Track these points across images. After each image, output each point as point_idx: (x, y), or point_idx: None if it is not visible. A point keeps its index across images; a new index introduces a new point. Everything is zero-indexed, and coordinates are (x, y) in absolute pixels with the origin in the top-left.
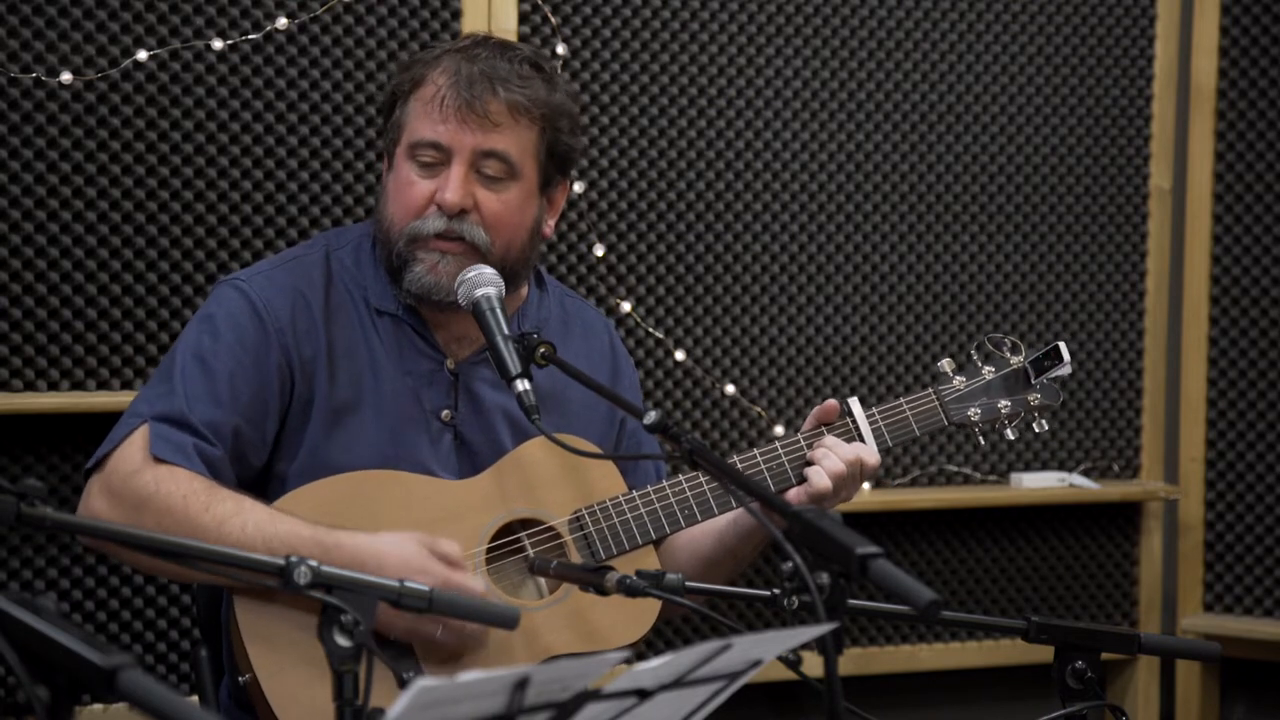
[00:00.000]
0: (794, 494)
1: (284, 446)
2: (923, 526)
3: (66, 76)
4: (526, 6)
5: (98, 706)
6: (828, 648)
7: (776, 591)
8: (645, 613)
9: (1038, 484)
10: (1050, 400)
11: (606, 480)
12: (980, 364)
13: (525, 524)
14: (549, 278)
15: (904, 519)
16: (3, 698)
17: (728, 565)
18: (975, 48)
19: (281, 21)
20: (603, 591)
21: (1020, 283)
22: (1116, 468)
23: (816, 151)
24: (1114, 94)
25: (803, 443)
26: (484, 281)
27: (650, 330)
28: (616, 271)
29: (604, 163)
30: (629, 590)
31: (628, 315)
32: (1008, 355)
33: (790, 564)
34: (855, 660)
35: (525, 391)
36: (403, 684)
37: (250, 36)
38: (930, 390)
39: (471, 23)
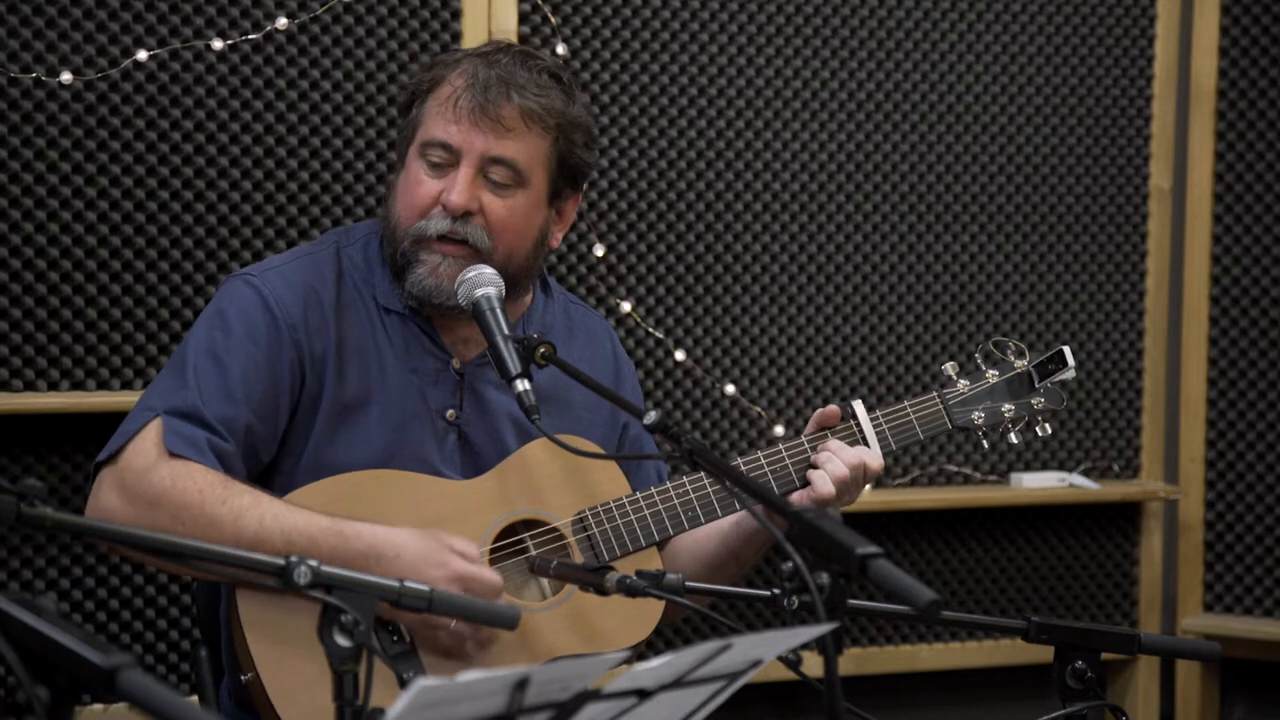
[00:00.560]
0: (797, 497)
1: (291, 441)
2: (923, 526)
3: (66, 76)
4: (526, 6)
5: (98, 706)
6: (828, 648)
7: (776, 591)
8: (648, 615)
9: (1038, 484)
10: (1054, 404)
11: (610, 482)
12: (984, 367)
13: (529, 525)
14: (554, 283)
15: (904, 519)
16: (3, 698)
17: (730, 567)
18: (975, 48)
19: (281, 21)
20: (602, 591)
21: (1020, 282)
22: (1116, 468)
23: (816, 151)
24: (1114, 94)
25: (806, 445)
26: (484, 281)
27: (650, 330)
28: (616, 271)
29: (604, 163)
30: (629, 590)
31: (628, 315)
32: (1012, 359)
33: (790, 564)
34: (855, 660)
35: (525, 391)
36: (403, 684)
37: (250, 36)
38: (934, 393)
39: (471, 23)
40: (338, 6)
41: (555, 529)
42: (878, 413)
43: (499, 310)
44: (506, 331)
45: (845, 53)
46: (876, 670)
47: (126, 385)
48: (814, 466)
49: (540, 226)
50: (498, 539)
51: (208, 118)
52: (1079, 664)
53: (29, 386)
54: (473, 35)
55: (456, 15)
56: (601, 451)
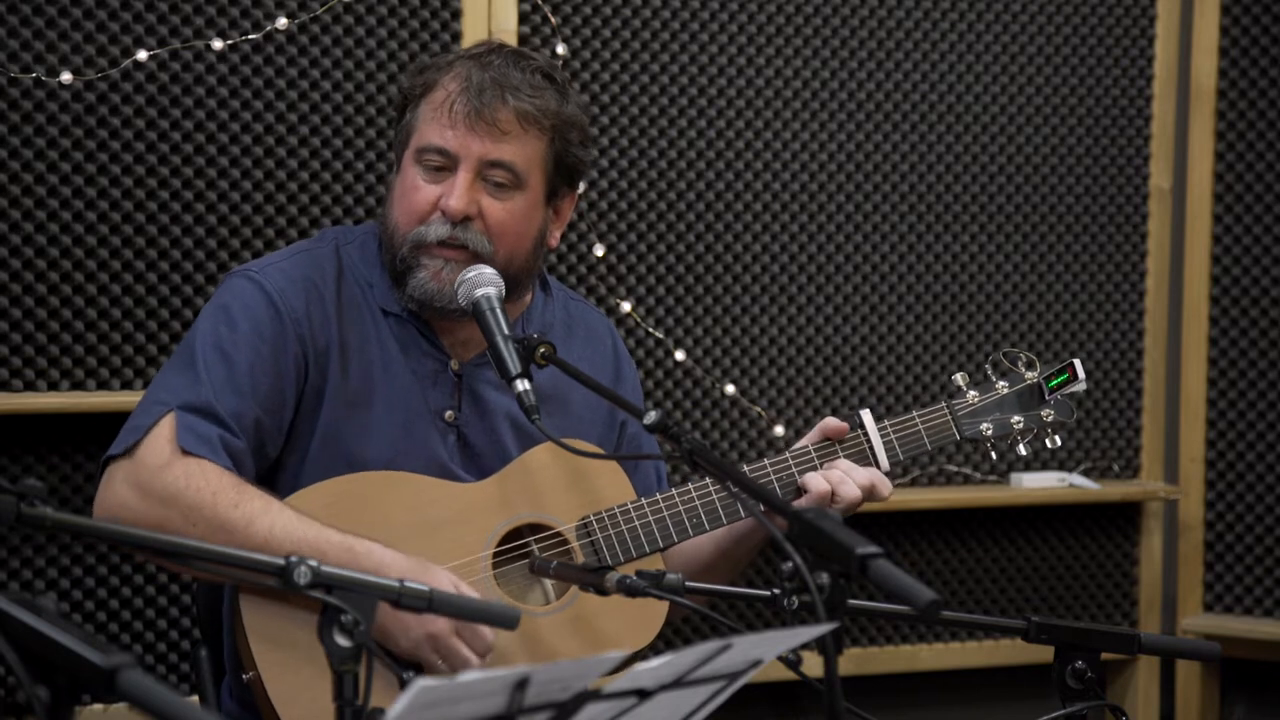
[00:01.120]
0: (801, 503)
1: (295, 436)
2: (923, 526)
3: (66, 76)
4: (526, 6)
5: (98, 706)
6: (828, 648)
7: (776, 591)
8: (652, 619)
9: (1038, 484)
10: (1064, 416)
11: (614, 487)
12: (994, 378)
13: (533, 529)
14: (553, 281)
15: (904, 519)
16: (3, 698)
17: (723, 569)
18: (975, 48)
19: (281, 21)
20: (602, 591)
21: (1020, 283)
22: (1116, 468)
23: (816, 151)
24: (1114, 94)
25: (813, 454)
26: (484, 281)
27: (650, 330)
28: (616, 271)
29: (604, 163)
30: (629, 590)
31: (628, 315)
32: (1022, 370)
33: (790, 564)
34: (855, 660)
35: (525, 391)
36: (403, 684)
37: (250, 36)
38: (943, 404)
39: (471, 22)
40: (338, 6)
41: (559, 534)
42: (885, 423)
43: (499, 310)
44: (506, 331)
45: (845, 53)
46: (876, 670)
47: (126, 385)
48: (823, 478)
49: (539, 227)
50: (502, 543)
51: (208, 118)
52: (1079, 664)
53: (29, 386)
54: (473, 35)
55: (456, 15)
56: (602, 452)
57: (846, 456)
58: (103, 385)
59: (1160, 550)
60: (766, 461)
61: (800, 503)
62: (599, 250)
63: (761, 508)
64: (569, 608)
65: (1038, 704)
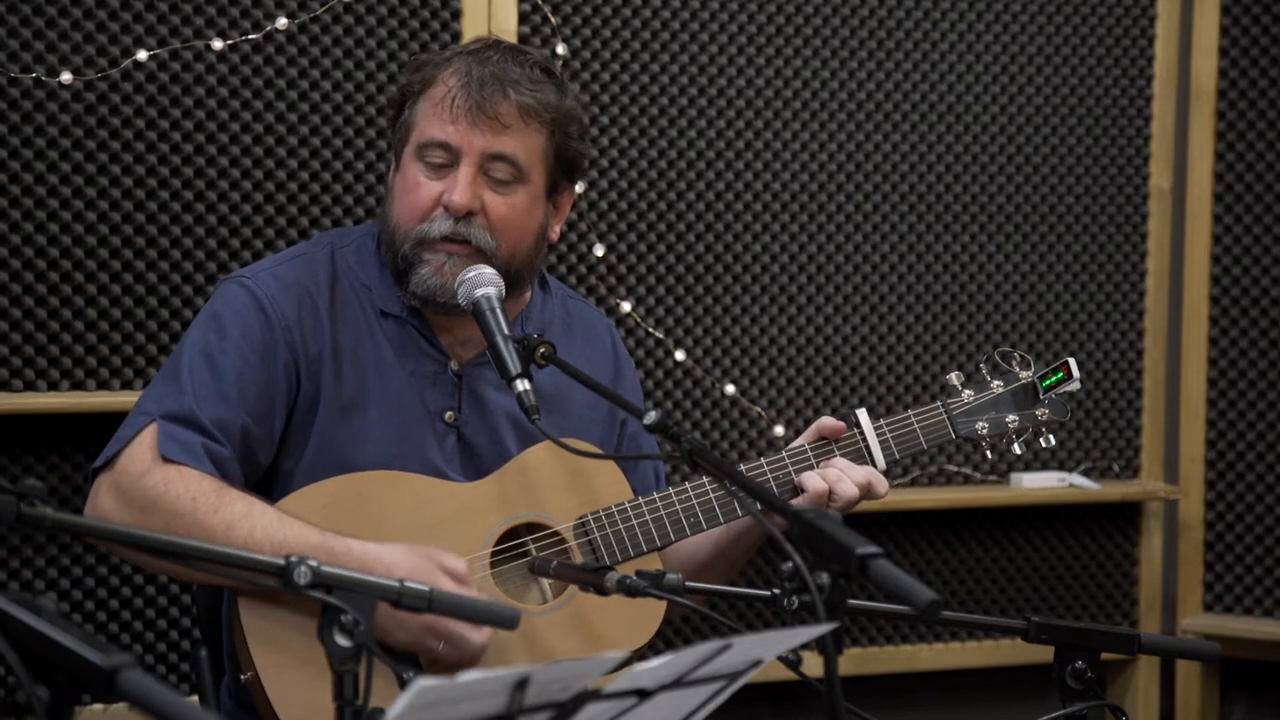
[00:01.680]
0: (798, 502)
1: (290, 444)
2: (923, 526)
3: (66, 76)
4: (526, 6)
5: (98, 706)
6: (828, 648)
7: (776, 591)
8: (650, 618)
9: (1038, 484)
10: (1058, 415)
11: (612, 486)
12: (989, 377)
13: (531, 528)
14: (552, 280)
15: (904, 519)
16: (3, 698)
17: (720, 568)
18: (975, 48)
19: (281, 21)
20: (602, 591)
21: (1020, 283)
22: (1116, 468)
23: (816, 151)
24: (1114, 94)
25: (809, 454)
26: (484, 281)
27: (650, 330)
28: (616, 271)
29: (604, 163)
30: (628, 590)
31: (628, 315)
32: (1017, 369)
33: (790, 564)
34: (855, 660)
35: (525, 391)
36: (403, 684)
37: (250, 36)
38: (938, 403)
39: (471, 22)
40: (338, 6)
41: (557, 533)
42: (881, 422)
43: (499, 310)
44: (506, 331)
45: (845, 53)
46: (876, 670)
47: (126, 385)
48: (819, 477)
49: (541, 221)
50: (499, 542)
51: (208, 118)
52: (1079, 664)
53: (29, 386)
54: (472, 35)
55: (456, 15)
56: (601, 452)
57: (843, 456)
58: (103, 385)
59: (1160, 550)
60: (763, 461)
61: (797, 502)
62: (599, 250)
63: (760, 508)
64: (567, 607)
65: (1038, 704)
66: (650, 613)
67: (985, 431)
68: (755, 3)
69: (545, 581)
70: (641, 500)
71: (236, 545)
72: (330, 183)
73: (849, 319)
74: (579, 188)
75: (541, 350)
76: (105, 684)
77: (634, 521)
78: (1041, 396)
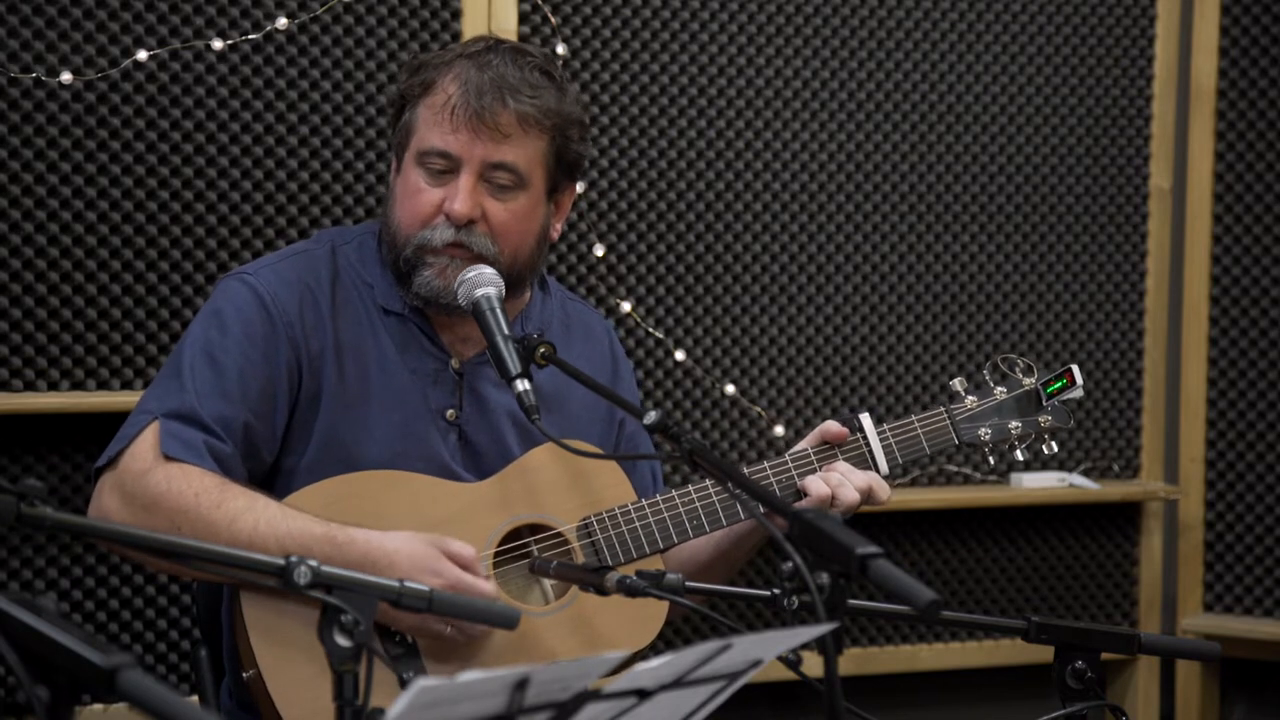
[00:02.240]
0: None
1: (292, 440)
2: (923, 526)
3: (66, 76)
4: (526, 6)
5: (98, 706)
6: (828, 648)
7: (776, 591)
8: (651, 619)
9: (1038, 484)
10: (1061, 422)
11: (613, 485)
12: (992, 383)
13: (533, 529)
14: (551, 280)
15: (904, 519)
16: (3, 698)
17: (721, 569)
18: (975, 48)
19: (281, 21)
20: (602, 591)
21: (1020, 283)
22: (1116, 468)
23: (816, 151)
24: (1114, 94)
25: (813, 458)
26: (484, 281)
27: (650, 330)
28: (616, 271)
29: (604, 163)
30: (629, 590)
31: (628, 315)
32: (1020, 376)
33: (790, 564)
34: (855, 660)
35: (525, 391)
36: (403, 684)
37: (250, 36)
38: (942, 409)
39: (471, 22)
40: (338, 6)
41: (560, 534)
42: (884, 427)
43: (499, 310)
44: (506, 331)
45: (845, 53)
46: (876, 670)
47: (126, 385)
48: (822, 481)
49: (541, 223)
50: (501, 543)
51: (208, 118)
52: (1079, 664)
53: (29, 386)
54: (472, 35)
55: (456, 15)
56: (602, 452)
57: (846, 460)
58: (103, 385)
59: (1160, 550)
60: (766, 464)
61: (800, 505)
62: (599, 250)
63: (761, 509)
64: (568, 608)
65: (1038, 704)
66: (652, 614)
67: (988, 437)
68: (755, 3)
69: (547, 583)
70: (645, 502)
71: (240, 540)
72: (330, 183)
73: (849, 319)
74: (579, 187)
75: (541, 350)
76: (105, 684)
77: (637, 523)
78: (1044, 403)
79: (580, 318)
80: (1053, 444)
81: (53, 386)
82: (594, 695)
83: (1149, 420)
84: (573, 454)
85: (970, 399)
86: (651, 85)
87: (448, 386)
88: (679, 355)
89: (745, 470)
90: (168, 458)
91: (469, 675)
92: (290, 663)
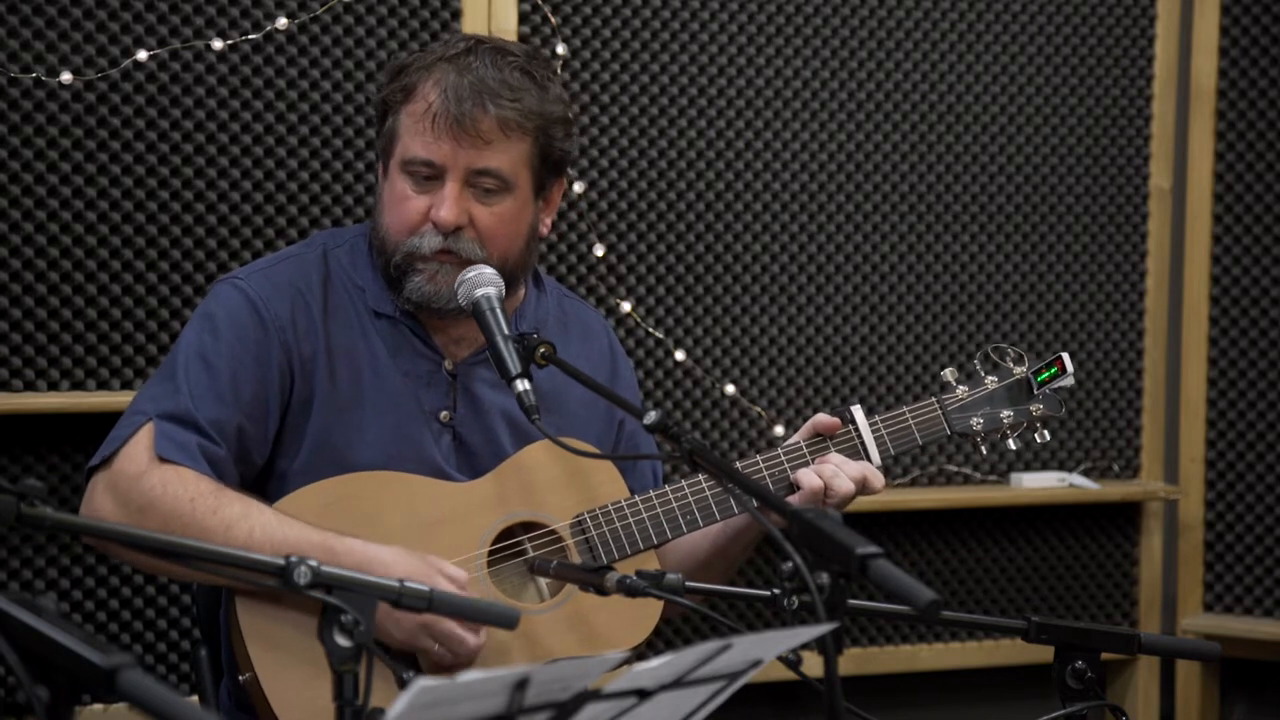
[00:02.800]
0: (794, 500)
1: (285, 444)
2: (923, 526)
3: (66, 76)
4: (526, 6)
5: (98, 706)
6: (828, 648)
7: (776, 591)
8: (647, 616)
9: (1038, 484)
10: (1053, 411)
11: (609, 483)
12: (984, 373)
13: (527, 527)
14: (547, 278)
15: (904, 519)
16: (3, 698)
17: (718, 566)
18: (975, 48)
19: (281, 21)
20: (602, 591)
21: (1020, 283)
22: (1116, 468)
23: (816, 151)
24: (1114, 94)
25: (805, 451)
26: (484, 281)
27: (650, 330)
28: (616, 271)
29: (604, 163)
30: (628, 590)
31: (628, 315)
32: (1011, 365)
33: (790, 564)
34: (855, 660)
35: (525, 391)
36: (403, 684)
37: (250, 36)
38: (933, 399)
39: (471, 23)
40: (338, 6)
41: (554, 532)
42: (876, 419)
43: (499, 310)
44: (507, 331)
45: (845, 53)
46: (876, 670)
47: (126, 385)
48: (815, 474)
49: (530, 222)
50: (496, 541)
51: (208, 118)
52: (1079, 664)
53: (29, 386)
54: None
55: (456, 15)
56: (600, 451)
57: (837, 452)
58: (103, 385)
59: (1160, 550)
60: (759, 457)
61: (794, 499)
62: (599, 250)
63: (759, 507)
64: (564, 605)
65: (1038, 704)
66: (648, 611)
67: (980, 427)
68: (755, 3)
69: (542, 580)
70: (638, 498)
71: (236, 545)
72: (330, 183)
73: (849, 319)
74: (579, 187)
75: (541, 350)
76: (105, 684)
77: (630, 520)
78: (1036, 392)
79: (578, 316)
80: (1045, 433)
81: (53, 386)
82: (594, 695)
83: (1149, 420)
84: (567, 451)
85: (961, 389)
86: (651, 85)
87: (441, 388)
88: (679, 355)
89: (738, 464)
90: (162, 460)
91: (469, 675)
92: (286, 666)
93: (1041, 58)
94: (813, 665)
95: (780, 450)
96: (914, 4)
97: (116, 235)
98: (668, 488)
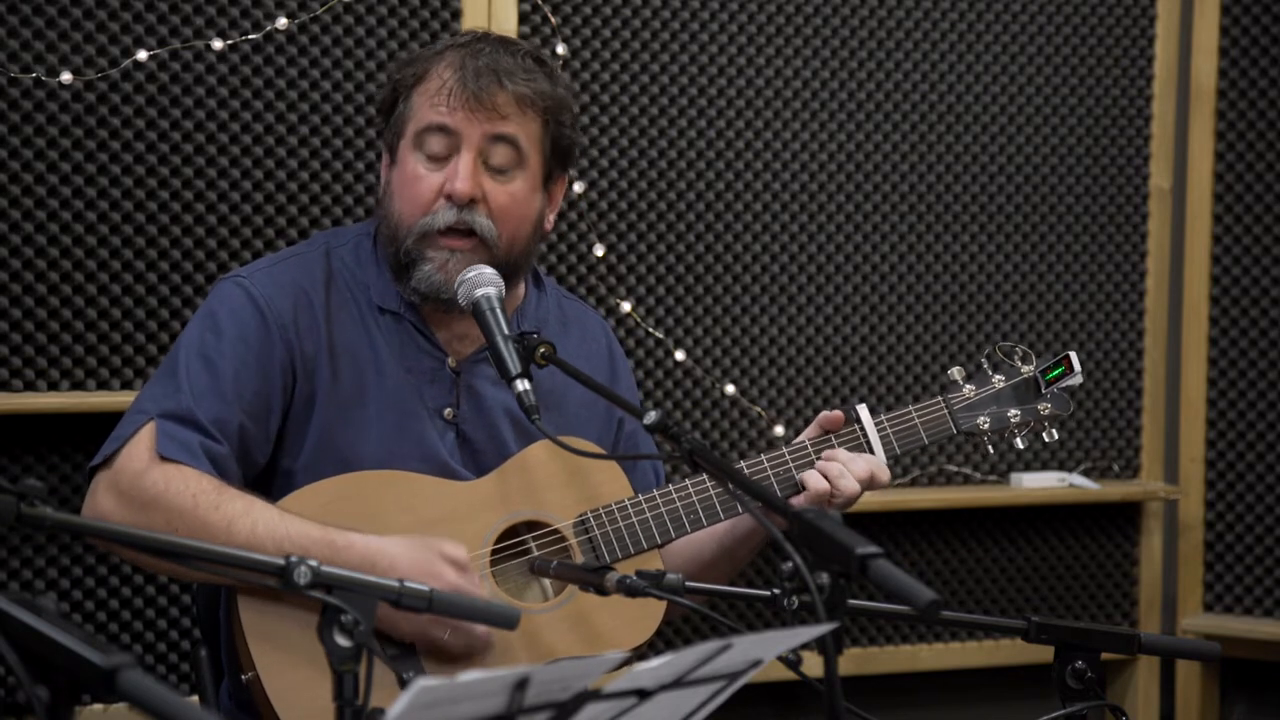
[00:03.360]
0: (799, 500)
1: (288, 442)
2: (923, 526)
3: (66, 76)
4: (526, 6)
5: (98, 706)
6: (828, 648)
7: (776, 591)
8: (649, 616)
9: (1038, 484)
10: (1060, 410)
11: (611, 483)
12: (990, 372)
13: (530, 526)
14: (547, 279)
15: (904, 519)
16: (3, 698)
17: (724, 567)
18: (975, 48)
19: (281, 21)
20: (602, 591)
21: (1020, 283)
22: (1116, 468)
23: (816, 151)
24: (1114, 94)
25: (810, 450)
26: (484, 281)
27: (650, 330)
28: (616, 271)
29: (604, 163)
30: (629, 590)
31: (628, 315)
32: (1018, 364)
33: (790, 564)
34: (855, 660)
35: (525, 391)
36: (403, 684)
37: (250, 36)
38: (939, 398)
39: (471, 23)
40: (338, 6)
41: (557, 530)
42: (882, 417)
43: (499, 310)
44: (507, 331)
45: (845, 53)
46: (876, 670)
47: (126, 385)
48: (821, 474)
49: (538, 210)
50: (499, 540)
51: (208, 118)
52: (1079, 664)
53: (29, 386)
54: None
55: (456, 15)
56: (602, 451)
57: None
58: (103, 385)
59: (1160, 550)
60: (764, 458)
61: (798, 500)
62: (599, 250)
63: (760, 507)
64: (567, 605)
65: (1038, 704)
66: (650, 611)
67: (986, 426)
68: (755, 3)
69: (545, 580)
70: (641, 497)
71: (238, 542)
72: (330, 183)
73: (849, 319)
74: (579, 187)
75: (542, 350)
76: (105, 684)
77: (634, 519)
78: (1043, 391)
79: (578, 317)
80: (1052, 432)
81: (53, 386)
82: (594, 695)
83: (1149, 420)
84: (568, 451)
85: (968, 388)
86: (651, 85)
87: (445, 385)
88: (679, 355)
89: (744, 464)
90: (163, 458)
91: (469, 675)
92: (288, 665)
93: (1041, 58)
94: (813, 665)
95: (786, 450)
96: (914, 4)
97: (116, 235)
98: (671, 487)
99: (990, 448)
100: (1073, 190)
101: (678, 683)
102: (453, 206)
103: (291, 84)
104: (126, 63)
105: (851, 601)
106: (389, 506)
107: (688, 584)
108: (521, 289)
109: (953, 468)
